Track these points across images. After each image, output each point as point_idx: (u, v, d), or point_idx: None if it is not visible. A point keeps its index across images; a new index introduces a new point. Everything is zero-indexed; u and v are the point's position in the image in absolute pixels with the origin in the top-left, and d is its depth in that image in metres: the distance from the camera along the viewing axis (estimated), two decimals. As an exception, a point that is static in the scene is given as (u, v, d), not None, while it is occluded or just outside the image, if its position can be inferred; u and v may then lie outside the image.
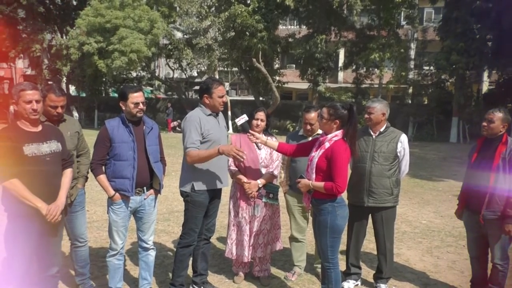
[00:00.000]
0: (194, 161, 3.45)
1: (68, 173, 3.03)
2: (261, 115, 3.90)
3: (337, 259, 3.28)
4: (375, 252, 4.06)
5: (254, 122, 3.87)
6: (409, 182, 9.42)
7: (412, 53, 23.29)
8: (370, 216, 3.91)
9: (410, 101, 23.47)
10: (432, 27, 21.94)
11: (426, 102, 23.34)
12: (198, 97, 3.65)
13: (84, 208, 3.64)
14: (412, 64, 23.00)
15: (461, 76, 19.50)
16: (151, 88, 29.05)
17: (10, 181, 2.65)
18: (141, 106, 3.33)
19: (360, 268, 4.09)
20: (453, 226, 6.02)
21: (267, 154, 3.96)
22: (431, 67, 21.48)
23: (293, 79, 26.65)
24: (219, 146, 3.42)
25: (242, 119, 3.57)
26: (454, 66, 18.73)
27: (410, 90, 23.60)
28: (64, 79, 24.95)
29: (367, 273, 4.28)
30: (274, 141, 3.74)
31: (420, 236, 5.62)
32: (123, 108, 3.35)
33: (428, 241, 5.44)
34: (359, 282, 4.06)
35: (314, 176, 3.18)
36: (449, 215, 6.49)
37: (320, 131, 3.78)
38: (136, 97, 3.31)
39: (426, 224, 6.22)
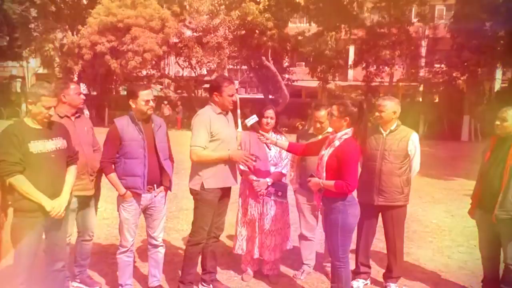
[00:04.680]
0: (200, 161, 3.47)
1: (72, 170, 3.07)
2: (270, 113, 3.91)
3: (348, 257, 3.27)
4: (385, 251, 4.03)
5: (264, 120, 3.87)
6: (420, 181, 9.31)
7: (423, 50, 23.07)
8: (380, 214, 3.89)
9: (421, 99, 23.25)
10: (443, 24, 21.70)
11: (437, 100, 23.11)
12: (208, 95, 3.66)
13: (95, 204, 3.70)
14: (423, 61, 22.78)
15: (473, 73, 19.27)
16: (161, 86, 29.16)
17: (15, 177, 2.70)
18: (151, 103, 3.37)
19: (369, 267, 4.06)
20: (464, 225, 5.95)
21: (277, 152, 3.96)
22: (442, 65, 21.26)
23: (302, 77, 26.55)
24: (229, 152, 3.47)
25: (252, 119, 3.58)
26: (465, 64, 18.52)
27: (421, 88, 23.39)
28: (75, 77, 25.15)
29: (377, 272, 4.25)
30: (284, 140, 3.74)
31: (430, 236, 5.57)
32: (133, 106, 3.38)
33: (439, 240, 5.39)
34: (368, 281, 4.03)
35: (324, 174, 3.17)
36: (460, 214, 6.42)
37: (330, 129, 3.76)
38: (147, 95, 3.35)
39: (437, 223, 6.16)
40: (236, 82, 28.33)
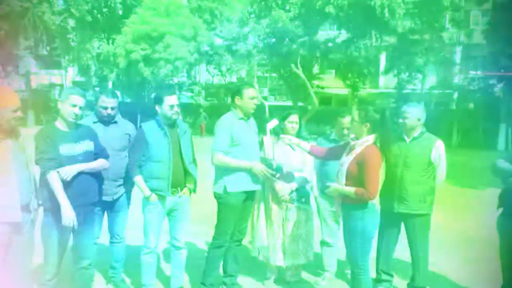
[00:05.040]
0: (221, 164, 3.55)
1: (100, 160, 3.18)
2: (295, 118, 3.95)
3: (368, 265, 3.24)
4: (410, 261, 3.96)
5: (289, 125, 3.91)
6: (451, 190, 9.05)
7: (457, 57, 22.49)
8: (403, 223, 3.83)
9: (455, 107, 22.65)
10: (479, 30, 21.11)
11: (472, 108, 22.46)
12: (230, 101, 3.75)
13: (126, 209, 3.82)
14: (457, 68, 22.22)
15: (510, 80, 18.60)
16: (192, 94, 29.66)
17: (49, 173, 2.85)
18: (176, 108, 3.47)
19: (391, 275, 4.00)
20: (496, 236, 5.75)
21: (300, 158, 3.97)
22: (478, 72, 20.68)
23: (332, 84, 26.40)
24: (253, 163, 3.53)
25: (273, 123, 3.63)
26: (502, 70, 17.93)
27: (455, 96, 22.79)
28: (110, 84, 26.01)
29: (401, 281, 4.17)
30: (306, 143, 3.76)
31: (459, 246, 5.41)
32: (159, 111, 3.50)
33: (468, 251, 5.23)
34: (391, 290, 3.97)
35: (344, 181, 3.16)
36: (492, 225, 6.20)
37: (352, 135, 3.75)
38: (171, 100, 3.45)
39: (467, 234, 5.98)
40: (266, 90, 28.52)
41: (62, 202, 2.87)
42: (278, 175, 3.59)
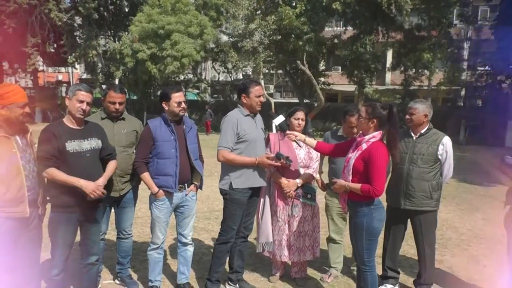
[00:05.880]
0: (226, 161, 3.56)
1: (112, 163, 3.24)
2: (301, 114, 3.93)
3: (374, 262, 3.23)
4: (417, 257, 3.95)
5: (295, 122, 3.90)
6: (458, 187, 9.03)
7: (465, 53, 22.29)
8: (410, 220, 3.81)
9: (462, 103, 22.47)
10: (487, 25, 20.89)
11: (480, 104, 22.27)
12: (237, 97, 3.74)
13: (133, 205, 3.84)
14: (465, 64, 22.01)
15: (519, 77, 18.45)
16: (197, 91, 29.70)
17: (47, 170, 2.87)
18: (183, 105, 3.48)
19: (398, 272, 3.99)
20: (504, 234, 5.71)
21: (306, 154, 3.97)
22: (486, 68, 20.47)
23: (339, 81, 26.33)
24: (257, 157, 3.54)
25: (279, 119, 3.63)
26: (511, 66, 17.75)
27: (463, 92, 22.61)
28: (117, 81, 26.11)
29: (407, 278, 4.17)
30: (312, 139, 3.75)
31: (466, 243, 5.39)
32: (166, 108, 3.51)
33: (475, 248, 5.21)
34: (397, 287, 3.96)
35: (350, 177, 3.15)
36: (500, 222, 6.16)
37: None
38: (178, 97, 3.47)
39: (474, 231, 5.95)
40: (271, 87, 28.48)
41: (78, 183, 2.89)
42: (281, 161, 3.53)
